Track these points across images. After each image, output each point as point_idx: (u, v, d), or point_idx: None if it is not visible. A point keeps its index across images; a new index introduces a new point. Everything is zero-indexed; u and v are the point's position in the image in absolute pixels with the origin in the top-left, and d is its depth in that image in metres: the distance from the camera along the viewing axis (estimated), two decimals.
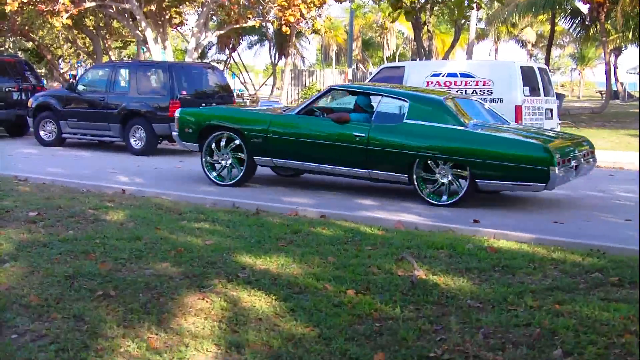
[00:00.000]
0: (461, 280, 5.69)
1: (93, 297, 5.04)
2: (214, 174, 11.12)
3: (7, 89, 18.90)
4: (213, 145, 11.03)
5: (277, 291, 5.24)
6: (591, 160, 10.26)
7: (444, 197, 9.70)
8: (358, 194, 10.53)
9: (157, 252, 6.25)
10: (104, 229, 7.12)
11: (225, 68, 45.98)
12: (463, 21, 38.07)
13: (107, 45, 35.43)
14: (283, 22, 22.61)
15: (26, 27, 30.00)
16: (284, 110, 11.23)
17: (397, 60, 57.19)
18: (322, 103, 11.82)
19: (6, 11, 25.37)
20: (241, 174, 10.92)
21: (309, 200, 9.90)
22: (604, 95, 38.80)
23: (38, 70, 43.42)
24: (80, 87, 17.23)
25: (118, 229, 7.14)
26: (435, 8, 37.96)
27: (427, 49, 40.85)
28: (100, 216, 7.79)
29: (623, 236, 7.69)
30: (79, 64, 47.60)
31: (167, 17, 26.84)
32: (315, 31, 27.01)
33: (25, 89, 19.23)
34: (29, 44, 40.97)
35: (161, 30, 26.04)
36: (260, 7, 24.06)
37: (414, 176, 9.76)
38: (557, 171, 8.94)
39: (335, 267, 5.93)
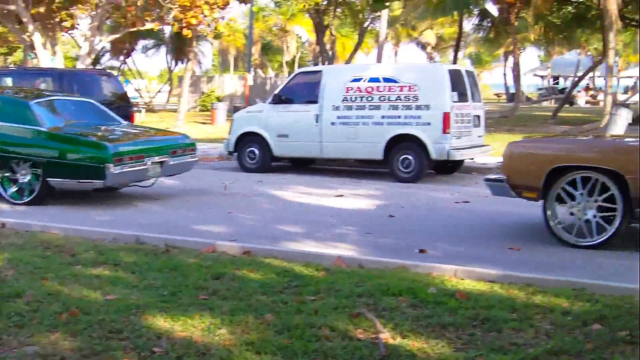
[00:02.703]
0: (439, 344, 4.46)
1: None
2: None
3: None
4: None
5: None
6: (186, 157, 10.89)
7: (25, 196, 9.93)
8: (276, 219, 9.25)
9: (44, 317, 4.80)
10: None
11: (119, 74, 43.95)
12: (367, 23, 37.25)
13: None
14: (184, 24, 21.16)
15: None
16: None
17: (296, 65, 56.08)
18: None
19: None
20: None
21: (223, 229, 8.55)
22: (503, 97, 38.57)
23: None
24: None
25: None
26: (338, 10, 37.01)
27: (329, 52, 39.97)
28: None
29: (594, 264, 6.70)
30: None
31: (57, 20, 24.85)
32: (218, 35, 25.49)
33: None
34: None
35: (51, 34, 24.12)
36: (159, 9, 22.45)
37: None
38: (112, 169, 9.41)
39: (277, 331, 4.62)
